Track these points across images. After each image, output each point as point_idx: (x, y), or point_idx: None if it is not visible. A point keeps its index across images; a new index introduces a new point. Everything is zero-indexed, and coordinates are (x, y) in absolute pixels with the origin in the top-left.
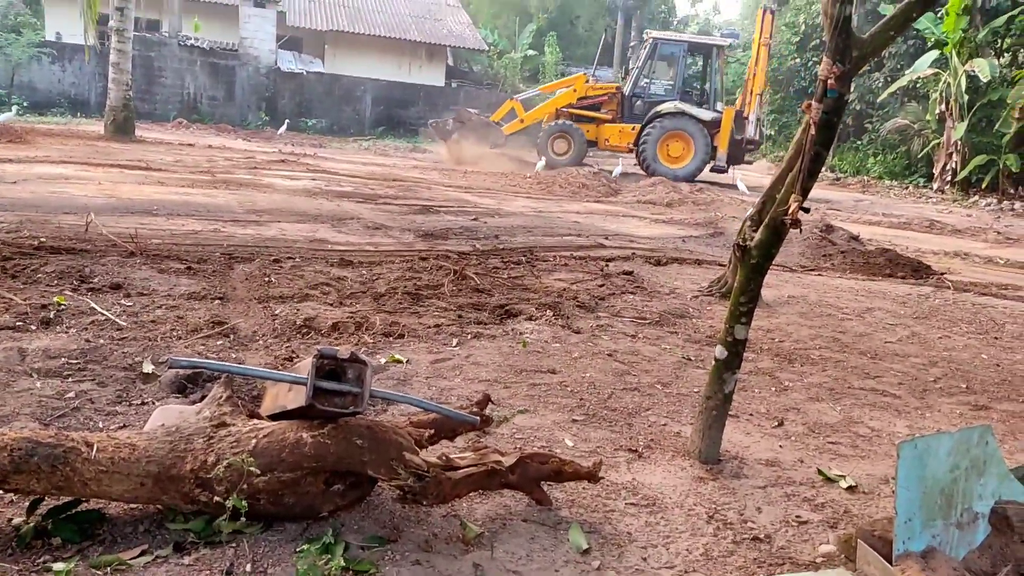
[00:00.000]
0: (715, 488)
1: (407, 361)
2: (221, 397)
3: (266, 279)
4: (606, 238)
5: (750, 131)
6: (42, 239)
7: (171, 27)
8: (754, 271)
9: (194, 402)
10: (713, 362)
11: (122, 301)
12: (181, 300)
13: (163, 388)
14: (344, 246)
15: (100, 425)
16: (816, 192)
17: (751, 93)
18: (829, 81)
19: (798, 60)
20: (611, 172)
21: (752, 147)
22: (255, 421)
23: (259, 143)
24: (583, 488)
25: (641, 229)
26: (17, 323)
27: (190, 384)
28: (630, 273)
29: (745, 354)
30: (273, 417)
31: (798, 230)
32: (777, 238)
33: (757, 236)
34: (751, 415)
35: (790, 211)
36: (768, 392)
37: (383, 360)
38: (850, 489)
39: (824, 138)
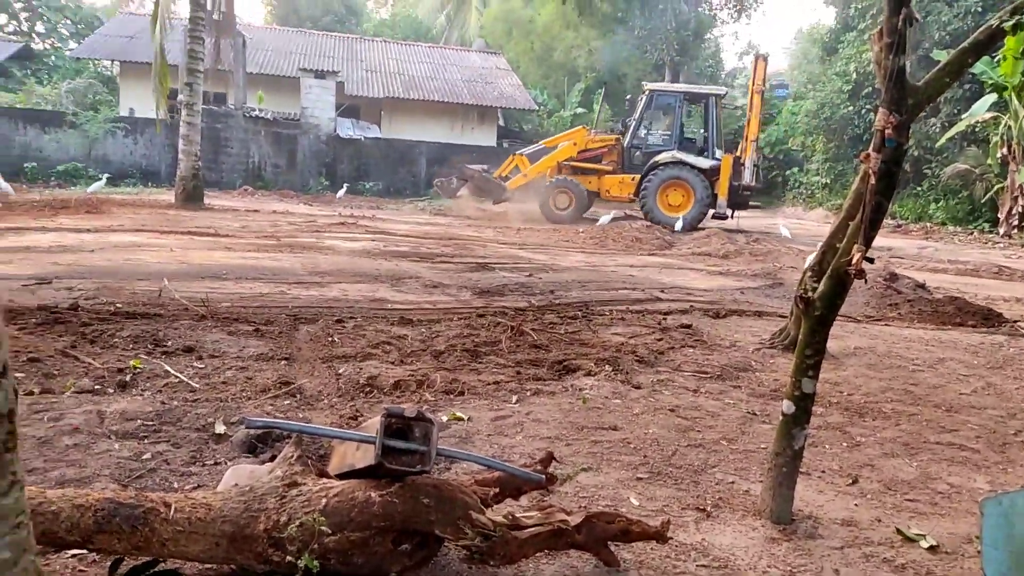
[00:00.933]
0: (789, 549)
1: (468, 418)
2: (292, 457)
3: (330, 339)
4: (662, 291)
5: (747, 177)
6: (118, 305)
7: (236, 99)
8: (819, 323)
9: (264, 462)
10: (780, 417)
11: (194, 363)
12: (250, 361)
13: (234, 448)
14: (403, 305)
15: (176, 485)
16: (878, 240)
17: (747, 140)
18: (887, 131)
19: (851, 108)
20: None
21: (750, 193)
22: (324, 480)
23: (320, 207)
24: (651, 548)
25: (698, 281)
26: (96, 386)
27: (260, 444)
28: (688, 326)
29: (813, 408)
30: (341, 476)
31: (863, 280)
32: (841, 289)
33: (820, 287)
34: (823, 472)
35: (854, 261)
36: (839, 448)
37: (444, 418)
38: (932, 549)
39: (884, 187)
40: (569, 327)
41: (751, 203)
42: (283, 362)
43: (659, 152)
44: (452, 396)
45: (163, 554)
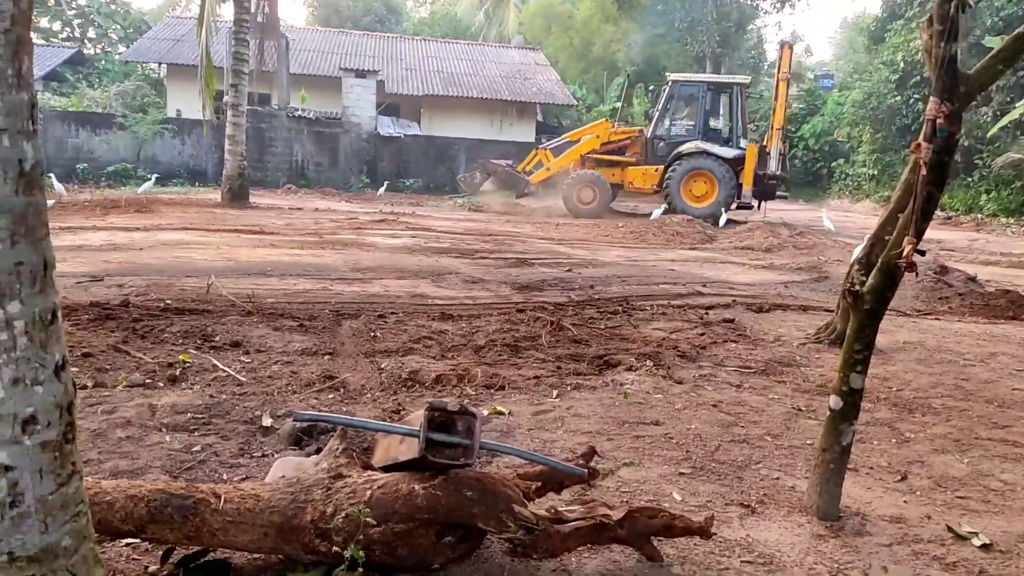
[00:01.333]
0: (836, 546)
1: (509, 413)
2: (337, 449)
3: (372, 334)
4: (704, 285)
5: (772, 166)
6: (168, 301)
7: (280, 100)
8: (868, 317)
9: (310, 454)
10: (828, 413)
11: (241, 358)
12: (295, 356)
13: (281, 441)
14: (444, 300)
15: (224, 477)
16: (928, 232)
17: (773, 128)
18: (938, 120)
19: (898, 98)
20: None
21: (776, 182)
22: (369, 473)
23: (361, 204)
24: (695, 544)
25: (740, 275)
26: (147, 380)
27: (306, 436)
28: (731, 321)
29: (861, 404)
30: (385, 469)
31: (913, 273)
32: (891, 282)
33: (870, 281)
34: (871, 468)
35: (904, 254)
36: (888, 444)
37: (485, 412)
38: (984, 547)
39: (936, 178)
40: (609, 322)
41: (777, 193)
42: (327, 357)
43: (683, 143)
44: (492, 390)
45: (213, 544)
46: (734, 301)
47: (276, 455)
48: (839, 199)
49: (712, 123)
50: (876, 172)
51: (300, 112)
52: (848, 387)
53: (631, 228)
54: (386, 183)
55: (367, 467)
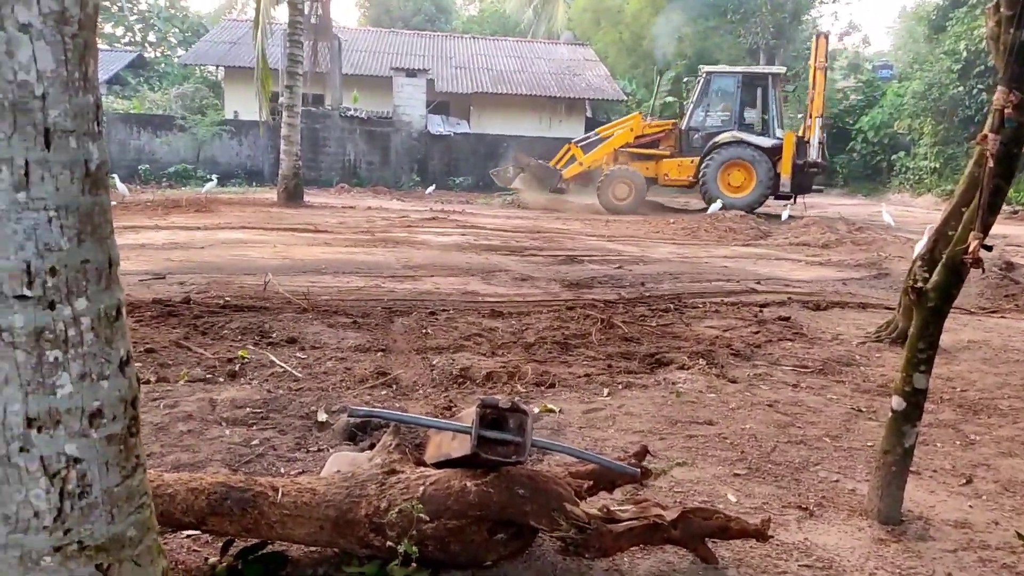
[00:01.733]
0: (898, 551)
1: (559, 411)
2: (391, 445)
3: (423, 331)
4: (758, 282)
5: (812, 154)
6: (227, 298)
7: (333, 100)
8: (932, 315)
9: (363, 449)
10: (889, 414)
11: (297, 354)
12: (348, 352)
13: (336, 436)
14: (494, 297)
15: (282, 471)
16: (993, 227)
17: (811, 117)
18: (1006, 110)
19: (961, 88)
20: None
21: (817, 171)
22: (422, 469)
23: (412, 202)
24: (750, 547)
25: (796, 272)
26: (207, 375)
27: (360, 432)
28: (787, 319)
29: (925, 405)
30: (437, 465)
31: (979, 269)
32: (957, 279)
33: (934, 277)
34: (934, 471)
35: (970, 250)
36: (952, 446)
37: (536, 409)
38: None
39: (1004, 170)
40: (661, 320)
41: (815, 186)
42: (379, 353)
43: (718, 134)
44: (543, 388)
45: (271, 536)
46: (790, 298)
47: (331, 450)
48: (899, 193)
49: (747, 114)
50: (938, 165)
51: (352, 112)
52: (911, 387)
53: (682, 224)
54: (435, 182)
55: (419, 463)
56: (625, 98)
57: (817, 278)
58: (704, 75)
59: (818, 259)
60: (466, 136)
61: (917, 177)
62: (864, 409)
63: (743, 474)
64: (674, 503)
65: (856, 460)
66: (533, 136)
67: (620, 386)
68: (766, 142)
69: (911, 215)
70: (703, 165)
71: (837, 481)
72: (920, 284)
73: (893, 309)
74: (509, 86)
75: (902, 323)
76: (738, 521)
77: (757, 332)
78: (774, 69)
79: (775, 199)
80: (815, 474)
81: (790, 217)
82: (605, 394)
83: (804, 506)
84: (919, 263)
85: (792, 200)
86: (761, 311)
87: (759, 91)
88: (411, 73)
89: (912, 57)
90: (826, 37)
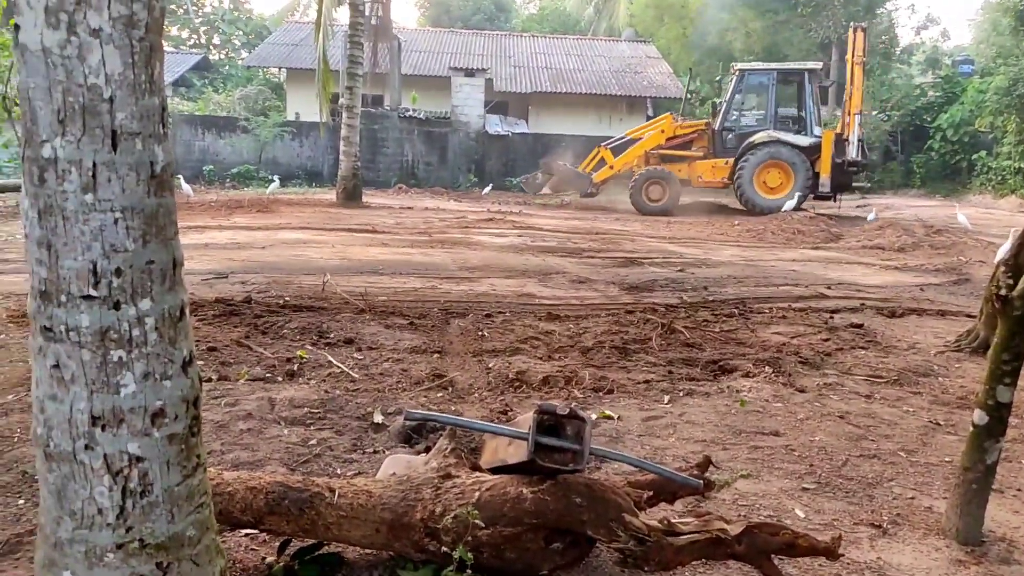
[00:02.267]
0: (978, 573)
1: (618, 417)
2: (447, 449)
3: (479, 333)
4: (828, 287)
5: (852, 152)
6: (286, 298)
7: (392, 101)
8: (1018, 324)
9: (419, 452)
10: (971, 428)
11: (354, 355)
12: (405, 354)
13: (392, 438)
14: (551, 300)
15: (338, 471)
16: None
17: (849, 114)
18: None
19: None
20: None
21: (857, 169)
22: (477, 474)
23: (469, 203)
24: (819, 565)
25: (869, 277)
26: (267, 375)
27: (415, 435)
28: (860, 326)
29: (1009, 420)
30: (493, 470)
31: None
32: None
33: (1021, 284)
34: (1019, 490)
35: None
36: None
37: (593, 416)
38: None
39: None
40: (724, 325)
41: (855, 184)
42: (435, 355)
43: (753, 133)
44: (601, 394)
45: (327, 537)
46: (863, 304)
47: (387, 452)
48: (980, 194)
49: (783, 112)
50: (1022, 165)
51: (411, 112)
52: (994, 400)
53: (747, 226)
54: (492, 182)
55: (475, 468)
56: (688, 96)
57: (892, 283)
58: (737, 72)
59: (893, 263)
60: (524, 136)
61: (1000, 178)
62: (942, 423)
63: (812, 488)
64: (738, 517)
65: (933, 476)
66: (592, 136)
67: (681, 393)
68: (804, 141)
69: (993, 217)
70: (738, 166)
71: (913, 498)
72: (1004, 291)
73: (974, 317)
74: (568, 85)
75: (984, 332)
76: (806, 538)
77: (827, 339)
78: (810, 64)
79: (815, 199)
80: (889, 490)
81: (876, 218)
82: (666, 401)
83: (877, 523)
84: (1003, 268)
85: (833, 199)
86: (832, 317)
87: (795, 87)
88: (469, 73)
89: (996, 51)
90: (864, 30)
